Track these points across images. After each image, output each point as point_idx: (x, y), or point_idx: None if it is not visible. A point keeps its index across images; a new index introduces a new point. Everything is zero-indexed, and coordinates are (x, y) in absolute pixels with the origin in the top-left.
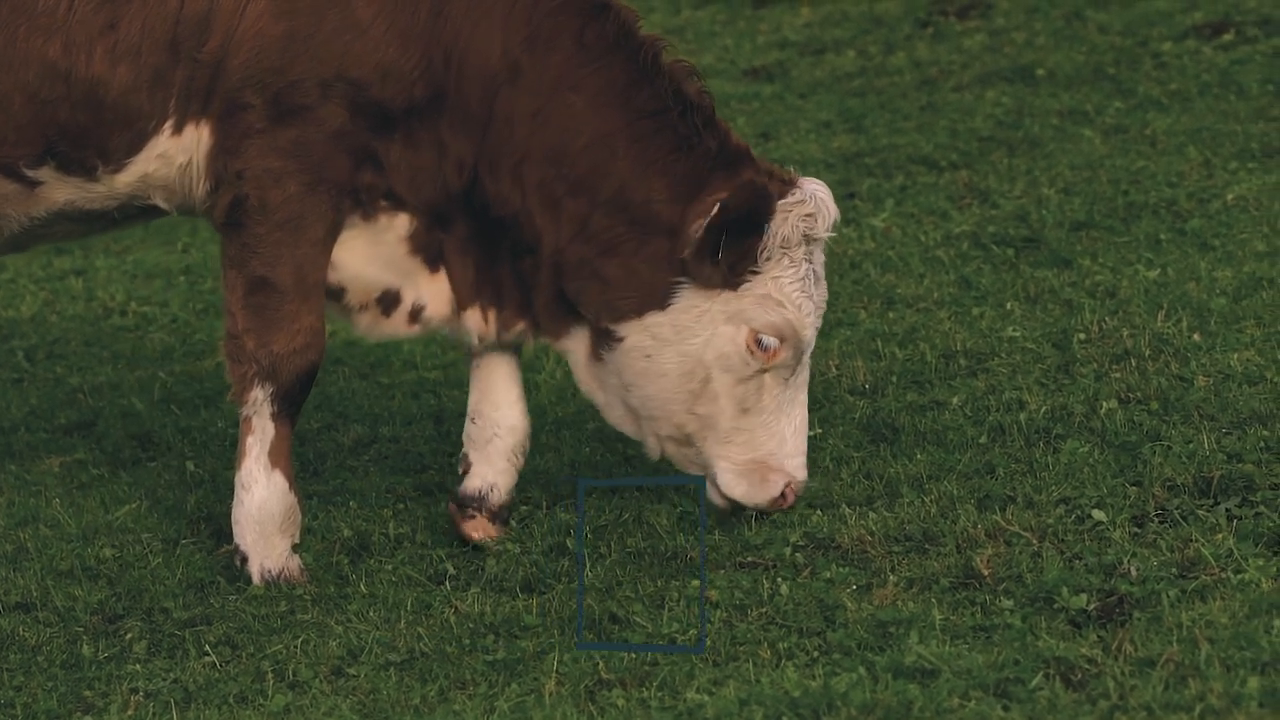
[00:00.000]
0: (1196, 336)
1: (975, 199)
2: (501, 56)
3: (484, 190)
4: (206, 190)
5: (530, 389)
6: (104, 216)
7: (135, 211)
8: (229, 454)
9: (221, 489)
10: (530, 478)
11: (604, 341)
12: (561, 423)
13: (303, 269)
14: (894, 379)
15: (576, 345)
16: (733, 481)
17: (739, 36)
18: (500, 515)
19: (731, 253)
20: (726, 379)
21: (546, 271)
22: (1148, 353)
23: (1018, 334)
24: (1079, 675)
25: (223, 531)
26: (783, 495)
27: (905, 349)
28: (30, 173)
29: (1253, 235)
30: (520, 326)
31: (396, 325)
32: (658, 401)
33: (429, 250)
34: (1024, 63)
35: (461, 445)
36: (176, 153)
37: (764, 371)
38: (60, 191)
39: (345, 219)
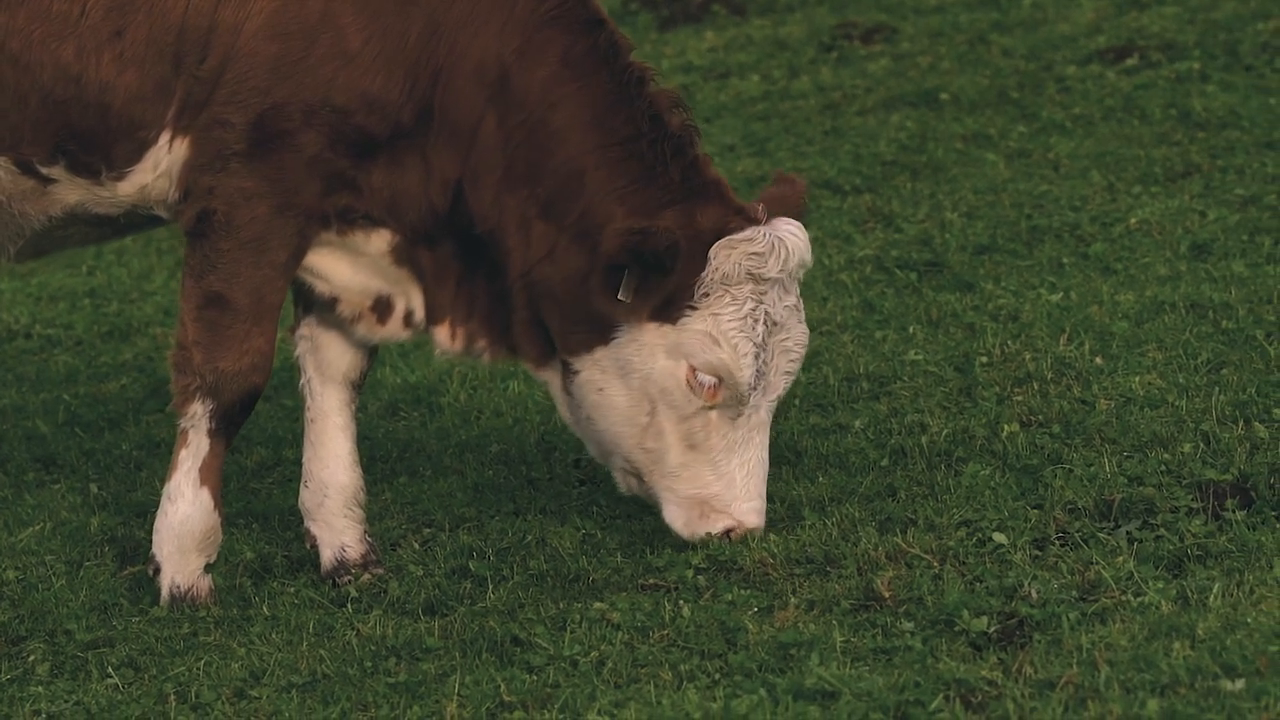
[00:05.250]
0: (1098, 360)
1: (878, 223)
2: (495, 65)
3: (467, 207)
4: (176, 198)
5: (434, 411)
6: (113, 222)
7: (143, 220)
8: (133, 476)
9: (125, 511)
10: (434, 501)
11: (567, 375)
12: (465, 445)
13: (260, 290)
14: (796, 401)
15: (553, 376)
16: (673, 513)
17: (643, 60)
18: (369, 560)
19: (638, 291)
20: (671, 414)
21: (520, 294)
22: (1049, 376)
23: (920, 357)
24: (979, 697)
25: (127, 553)
26: (726, 534)
27: (808, 372)
28: (44, 170)
29: (1155, 259)
30: (481, 344)
31: (394, 330)
32: (610, 436)
33: (414, 262)
34: (928, 87)
35: (371, 473)
36: (171, 164)
37: (710, 409)
38: (71, 192)
39: (312, 243)
